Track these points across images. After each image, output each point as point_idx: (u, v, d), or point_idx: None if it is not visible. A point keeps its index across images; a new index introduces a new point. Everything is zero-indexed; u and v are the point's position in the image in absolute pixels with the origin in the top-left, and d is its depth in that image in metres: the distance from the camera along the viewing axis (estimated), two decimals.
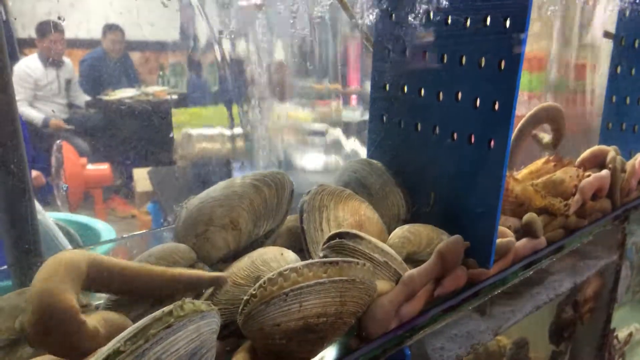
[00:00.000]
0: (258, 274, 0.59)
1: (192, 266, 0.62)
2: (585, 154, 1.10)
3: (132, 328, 0.42)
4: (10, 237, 0.74)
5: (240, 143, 1.28)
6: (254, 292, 0.51)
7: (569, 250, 0.92)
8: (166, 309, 0.43)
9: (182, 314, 0.43)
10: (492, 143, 0.70)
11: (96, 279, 0.52)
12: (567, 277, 1.02)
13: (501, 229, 0.78)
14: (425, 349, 0.76)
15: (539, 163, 0.96)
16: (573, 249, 0.94)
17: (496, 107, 0.69)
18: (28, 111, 2.22)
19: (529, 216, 0.82)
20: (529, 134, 1.05)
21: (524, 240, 0.82)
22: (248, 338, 0.54)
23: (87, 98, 2.38)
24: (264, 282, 0.51)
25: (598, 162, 1.09)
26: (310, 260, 0.53)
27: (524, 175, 0.95)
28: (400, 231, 0.72)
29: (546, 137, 1.09)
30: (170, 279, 0.56)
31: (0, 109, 0.74)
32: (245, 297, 0.52)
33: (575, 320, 1.19)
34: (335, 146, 1.25)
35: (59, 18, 0.61)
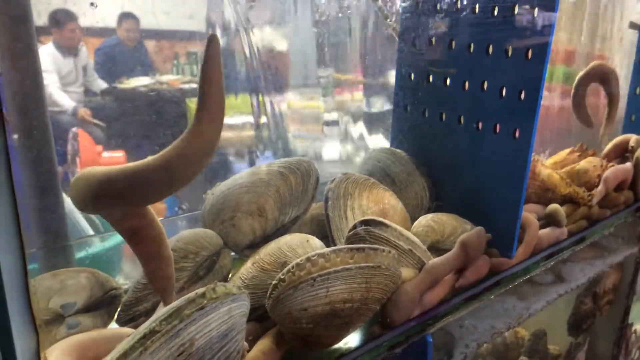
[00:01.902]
0: (284, 260, 0.59)
1: (219, 252, 0.63)
2: (610, 145, 1.09)
3: (168, 308, 0.43)
4: (38, 221, 0.76)
5: (260, 132, 1.28)
6: (282, 277, 0.52)
7: (590, 241, 0.92)
8: (199, 291, 0.44)
9: (214, 296, 0.44)
10: (517, 133, 0.70)
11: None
12: (587, 268, 1.02)
13: (525, 214, 0.78)
14: (446, 336, 0.77)
15: (563, 153, 0.96)
16: (594, 240, 0.94)
17: (522, 96, 0.69)
18: (60, 95, 2.23)
19: (552, 207, 0.82)
20: (584, 94, 1.02)
21: (547, 230, 0.82)
22: (275, 322, 0.55)
23: (104, 84, 2.40)
24: (292, 267, 0.52)
25: (622, 150, 1.08)
26: (337, 246, 0.54)
27: (549, 165, 0.94)
28: (424, 220, 0.72)
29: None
30: None
31: (30, 96, 0.75)
32: (273, 282, 0.52)
33: (594, 312, 1.18)
34: (356, 136, 1.25)
35: (92, 4, 0.61)
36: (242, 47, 1.04)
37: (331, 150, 1.28)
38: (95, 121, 2.30)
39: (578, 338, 1.21)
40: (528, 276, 0.79)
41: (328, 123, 1.26)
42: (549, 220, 0.84)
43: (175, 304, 0.43)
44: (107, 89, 2.37)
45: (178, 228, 0.94)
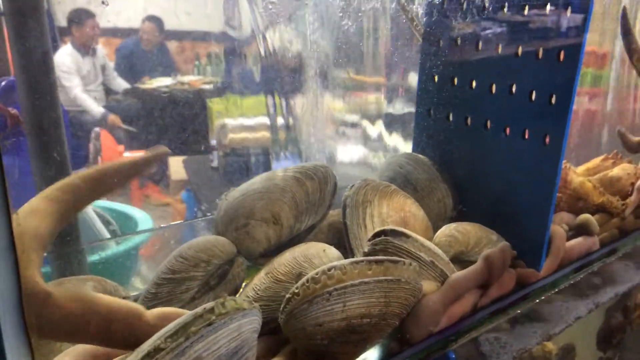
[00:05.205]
0: (300, 271, 0.57)
1: (232, 261, 0.61)
2: None
3: (174, 324, 0.40)
4: None
5: (279, 134, 1.26)
6: (296, 291, 0.49)
7: (622, 252, 0.88)
8: (207, 305, 0.42)
9: (223, 312, 0.42)
10: (548, 139, 0.66)
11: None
12: (618, 281, 0.98)
13: (554, 227, 0.74)
14: (470, 352, 0.73)
15: (597, 160, 0.92)
16: (627, 251, 0.89)
17: (553, 100, 0.65)
18: (86, 100, 2.24)
19: (584, 217, 0.78)
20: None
21: (578, 240, 0.79)
22: (289, 337, 0.52)
23: (125, 83, 2.42)
24: (307, 280, 0.49)
25: None
26: (354, 259, 0.51)
27: (581, 172, 0.91)
28: (447, 229, 0.69)
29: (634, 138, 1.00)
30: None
31: (42, 95, 0.74)
32: (287, 296, 0.50)
33: (625, 326, 1.13)
34: (376, 139, 1.23)
35: (103, 2, 0.60)
36: (257, 48, 1.02)
37: (350, 152, 1.25)
38: (126, 127, 2.31)
39: (607, 353, 1.16)
40: (557, 289, 0.76)
41: (347, 125, 1.24)
42: (579, 231, 0.81)
43: (181, 319, 0.41)
44: (128, 89, 2.39)
45: (198, 230, 0.93)
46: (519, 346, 0.74)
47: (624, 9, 0.89)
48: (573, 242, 0.79)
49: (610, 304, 1.08)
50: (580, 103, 1.52)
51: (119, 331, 0.44)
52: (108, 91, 2.42)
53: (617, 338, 1.14)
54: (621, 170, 0.87)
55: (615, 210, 0.84)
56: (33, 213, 0.45)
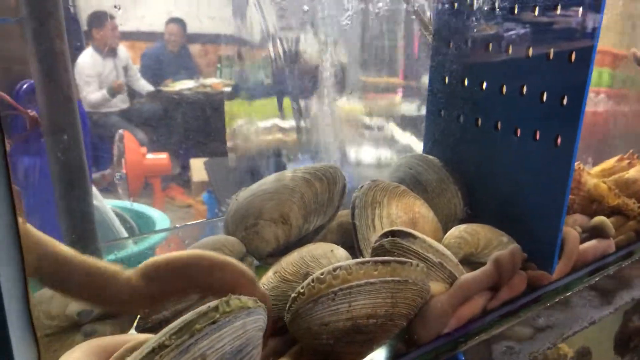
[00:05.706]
0: (307, 271, 0.57)
1: (241, 260, 0.62)
2: None
3: (178, 322, 0.41)
4: (66, 223, 0.76)
5: (294, 136, 1.27)
6: (301, 290, 0.50)
7: (639, 256, 0.86)
8: (212, 304, 0.42)
9: (228, 310, 0.42)
10: (559, 140, 0.66)
11: None
12: (635, 285, 0.96)
13: (566, 229, 0.74)
14: (480, 355, 0.73)
15: (611, 161, 0.90)
16: None
17: (564, 102, 0.65)
18: (92, 94, 2.28)
19: (598, 219, 0.77)
20: None
21: (593, 242, 0.77)
22: (295, 337, 0.53)
23: (148, 85, 2.45)
24: (313, 280, 0.49)
25: None
26: (360, 259, 0.52)
27: (596, 174, 0.89)
28: (456, 231, 0.69)
29: None
30: None
31: (60, 97, 0.75)
32: (292, 295, 0.50)
33: None
34: (390, 140, 1.23)
35: (115, 7, 0.62)
36: (269, 51, 1.03)
37: (367, 154, 1.25)
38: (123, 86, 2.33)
39: (625, 357, 1.14)
40: (570, 292, 0.75)
41: (365, 126, 1.24)
42: (593, 233, 0.79)
43: (186, 317, 0.42)
44: (152, 92, 2.43)
45: (216, 230, 0.94)
46: (530, 349, 0.73)
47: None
48: (587, 244, 0.77)
49: (628, 307, 1.06)
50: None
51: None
52: (132, 93, 2.46)
53: (635, 342, 1.12)
54: (637, 172, 0.85)
55: (631, 213, 0.83)
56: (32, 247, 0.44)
